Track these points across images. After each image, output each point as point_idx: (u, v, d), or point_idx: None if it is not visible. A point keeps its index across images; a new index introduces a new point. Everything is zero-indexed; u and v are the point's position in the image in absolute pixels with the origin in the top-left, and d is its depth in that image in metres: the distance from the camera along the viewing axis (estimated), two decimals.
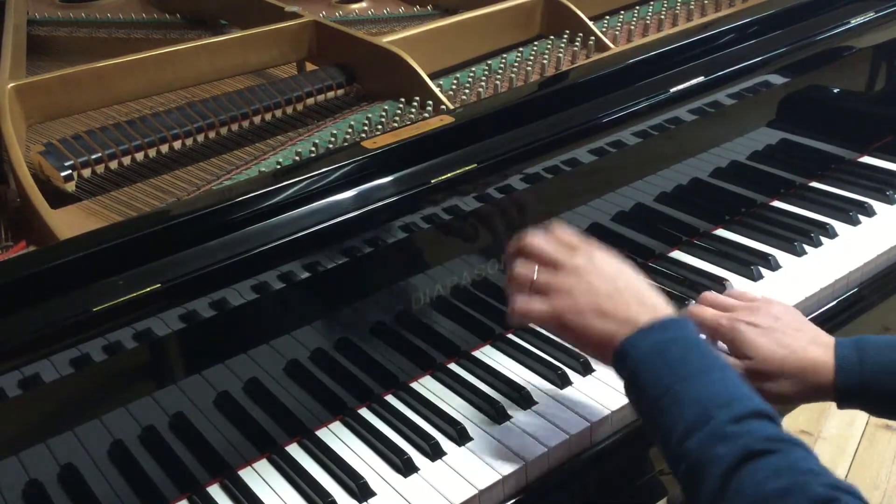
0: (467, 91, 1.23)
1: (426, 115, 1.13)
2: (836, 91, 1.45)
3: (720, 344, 0.98)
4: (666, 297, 0.86)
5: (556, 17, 1.38)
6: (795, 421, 2.26)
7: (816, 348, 0.93)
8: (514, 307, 0.89)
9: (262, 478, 0.95)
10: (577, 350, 1.08)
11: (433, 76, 1.21)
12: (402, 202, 0.98)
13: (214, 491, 0.94)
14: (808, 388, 0.92)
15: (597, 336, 0.84)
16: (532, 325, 1.13)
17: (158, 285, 0.84)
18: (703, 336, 0.89)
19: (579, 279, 0.86)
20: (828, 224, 1.30)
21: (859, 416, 2.29)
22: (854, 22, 1.35)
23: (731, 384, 0.77)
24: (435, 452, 0.95)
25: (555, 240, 0.90)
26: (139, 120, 1.12)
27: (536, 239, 0.91)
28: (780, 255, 1.25)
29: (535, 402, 1.01)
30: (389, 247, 0.98)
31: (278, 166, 1.04)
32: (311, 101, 1.22)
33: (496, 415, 1.00)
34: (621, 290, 0.85)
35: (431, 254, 1.05)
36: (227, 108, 1.16)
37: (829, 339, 0.94)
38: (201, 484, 0.95)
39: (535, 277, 0.89)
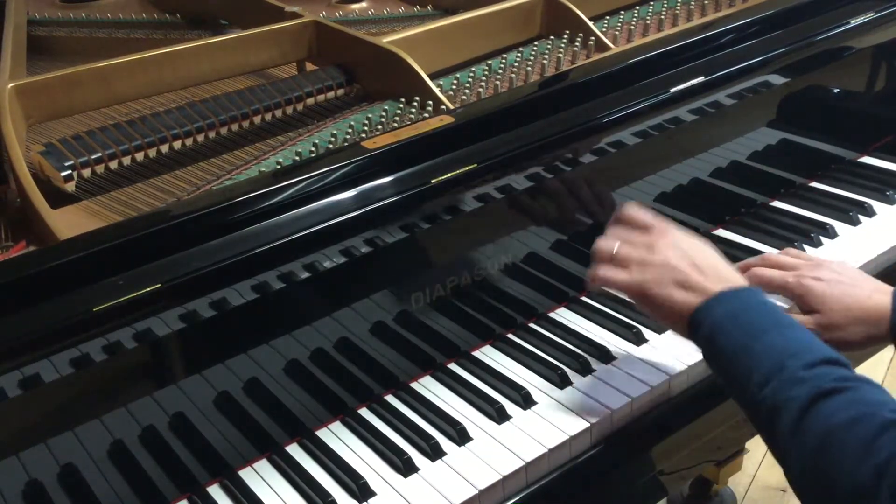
0: (467, 91, 1.23)
1: (426, 115, 1.13)
2: (836, 91, 1.45)
3: (782, 301, 1.05)
4: (737, 271, 0.92)
5: (556, 17, 1.38)
6: None
7: (880, 296, 0.99)
8: (594, 273, 0.96)
9: (262, 478, 0.95)
10: (577, 350, 1.08)
11: (433, 76, 1.21)
12: (402, 202, 0.98)
13: (214, 491, 0.94)
14: (876, 334, 0.98)
15: (676, 306, 0.90)
16: (532, 326, 1.14)
17: (158, 285, 0.84)
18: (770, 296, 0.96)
19: (658, 253, 0.92)
20: (828, 224, 1.30)
21: None
22: (854, 22, 1.35)
23: (802, 337, 0.83)
24: (435, 452, 0.95)
25: (632, 218, 0.97)
26: (139, 120, 1.12)
27: (616, 218, 0.98)
28: None
29: (535, 402, 1.01)
30: (389, 247, 0.98)
31: (278, 166, 1.04)
32: (311, 101, 1.22)
33: (496, 415, 1.00)
34: (698, 263, 0.91)
35: (431, 254, 1.05)
36: (227, 108, 1.16)
37: (889, 288, 1.00)
38: (201, 484, 0.95)
39: (615, 250, 0.95)
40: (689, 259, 0.91)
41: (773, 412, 0.78)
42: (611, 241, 0.96)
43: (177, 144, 1.12)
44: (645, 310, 0.95)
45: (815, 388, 0.76)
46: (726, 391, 0.86)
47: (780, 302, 1.05)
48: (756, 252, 1.25)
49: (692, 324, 0.88)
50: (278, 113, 1.20)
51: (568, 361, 1.07)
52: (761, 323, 0.84)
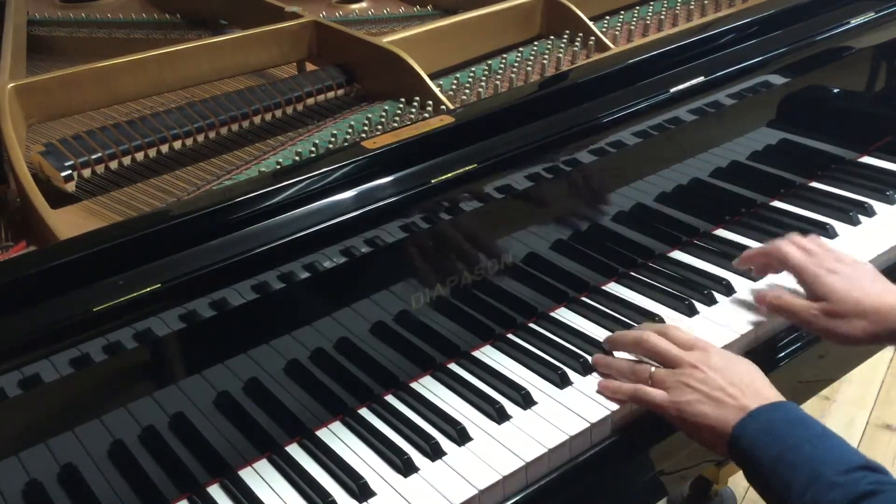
0: (467, 91, 1.23)
1: (426, 115, 1.13)
2: (836, 91, 1.45)
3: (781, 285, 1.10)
4: (774, 388, 0.94)
5: (556, 17, 1.38)
6: None
7: (889, 296, 1.02)
8: (631, 393, 0.98)
9: (262, 478, 0.95)
10: (577, 350, 1.08)
11: (433, 76, 1.21)
12: (402, 202, 0.97)
13: (214, 491, 0.94)
14: (877, 332, 1.01)
15: (712, 424, 0.91)
16: (532, 326, 1.14)
17: (158, 285, 0.84)
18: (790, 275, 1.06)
19: (698, 373, 0.95)
20: (828, 224, 1.30)
21: (859, 416, 2.29)
22: (854, 22, 1.35)
23: (837, 447, 0.85)
24: (435, 452, 0.95)
25: (672, 338, 1.00)
26: (139, 120, 1.12)
27: (654, 337, 1.00)
28: None
29: (535, 402, 1.01)
30: (389, 247, 0.98)
31: (278, 166, 1.04)
32: (311, 101, 1.22)
33: (496, 415, 1.00)
34: (736, 382, 0.93)
35: (431, 254, 1.05)
36: (227, 108, 1.16)
37: None
38: (201, 484, 0.95)
39: (652, 371, 0.98)
40: (729, 378, 0.93)
41: None
42: (643, 366, 0.99)
43: (177, 144, 1.12)
44: (682, 429, 0.96)
45: (851, 491, 0.79)
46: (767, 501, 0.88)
47: (782, 282, 1.10)
48: None
49: (732, 441, 0.89)
50: (278, 113, 1.20)
51: (568, 361, 1.07)
52: (797, 435, 0.86)
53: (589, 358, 1.06)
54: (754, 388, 0.92)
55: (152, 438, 0.90)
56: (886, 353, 2.47)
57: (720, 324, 1.12)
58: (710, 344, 1.00)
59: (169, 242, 0.87)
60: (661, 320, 1.12)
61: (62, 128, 1.19)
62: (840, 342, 1.02)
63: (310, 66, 1.34)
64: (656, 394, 0.96)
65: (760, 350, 1.11)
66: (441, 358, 1.09)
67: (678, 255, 1.27)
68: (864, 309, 1.01)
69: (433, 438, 0.97)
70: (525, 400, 1.01)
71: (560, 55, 1.32)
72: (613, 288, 1.21)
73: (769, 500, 0.87)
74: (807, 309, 1.04)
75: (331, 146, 1.09)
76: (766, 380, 0.95)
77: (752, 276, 1.20)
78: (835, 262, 1.06)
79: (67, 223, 0.94)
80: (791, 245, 1.10)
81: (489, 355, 1.10)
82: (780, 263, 1.10)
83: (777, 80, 1.29)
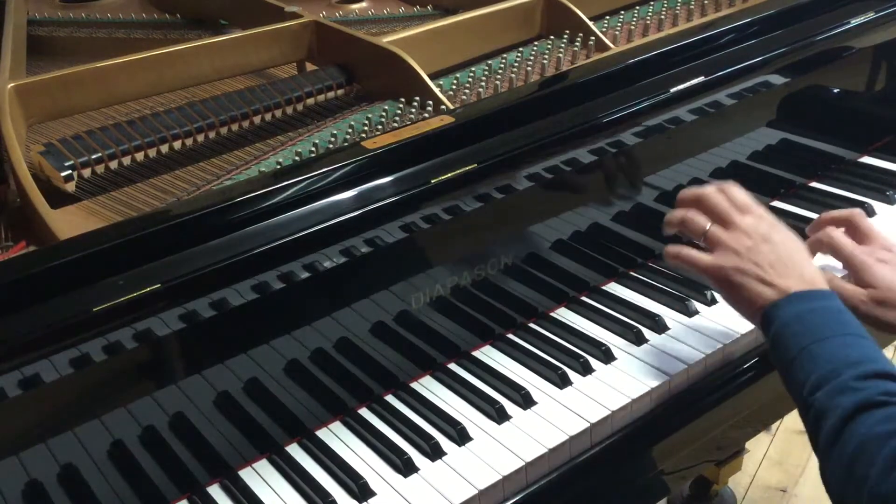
0: (467, 91, 1.23)
1: (426, 115, 1.13)
2: (836, 91, 1.45)
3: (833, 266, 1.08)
4: (820, 273, 0.93)
5: (556, 17, 1.38)
6: (795, 421, 2.26)
7: None
8: (678, 253, 0.99)
9: (262, 478, 0.95)
10: (577, 350, 1.08)
11: (433, 76, 1.21)
12: (402, 202, 0.97)
13: (214, 491, 0.94)
14: None
15: (753, 297, 0.92)
16: (532, 326, 1.14)
17: (158, 285, 0.84)
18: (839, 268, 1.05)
19: (748, 241, 0.94)
20: None
21: None
22: (854, 22, 1.35)
23: (864, 348, 0.84)
24: (435, 452, 0.95)
25: (729, 197, 0.99)
26: (139, 120, 1.12)
27: (714, 193, 0.99)
28: None
29: (535, 402, 1.01)
30: (389, 247, 0.98)
31: (278, 166, 1.04)
32: (311, 101, 1.22)
33: (496, 415, 1.00)
34: (783, 259, 0.93)
35: (431, 254, 1.05)
36: (227, 108, 1.16)
37: None
38: (201, 484, 0.95)
39: (707, 228, 0.98)
40: (777, 253, 0.93)
41: (819, 416, 0.81)
42: (702, 218, 0.98)
43: (177, 144, 1.12)
44: (721, 293, 0.97)
45: (861, 399, 0.78)
46: (786, 387, 0.88)
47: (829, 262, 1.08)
48: None
49: (765, 318, 0.90)
50: (278, 113, 1.20)
51: (568, 361, 1.07)
52: (829, 327, 0.86)
53: (589, 358, 1.06)
54: (799, 270, 0.92)
55: (152, 438, 0.90)
56: (886, 353, 2.47)
57: (720, 324, 1.12)
58: (765, 211, 0.98)
59: (169, 242, 0.87)
60: (662, 320, 1.12)
61: (62, 128, 1.19)
62: (884, 330, 1.01)
63: (310, 66, 1.34)
64: (702, 258, 0.97)
65: (763, 349, 1.11)
66: (441, 358, 1.09)
67: None
68: None
69: (433, 438, 0.97)
70: (525, 400, 1.01)
71: (560, 55, 1.32)
72: (613, 288, 1.21)
73: (787, 385, 0.88)
74: (856, 294, 1.01)
75: (331, 146, 1.09)
76: (811, 262, 0.94)
77: None
78: (883, 250, 1.05)
79: (67, 223, 0.94)
80: (841, 235, 1.07)
81: (489, 355, 1.10)
82: (830, 250, 1.08)
83: (777, 80, 1.29)
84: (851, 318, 0.88)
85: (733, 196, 0.99)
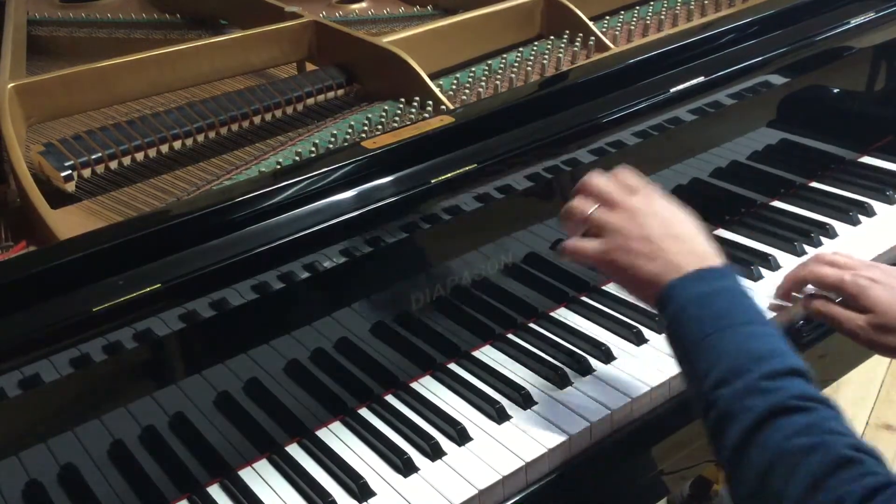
0: (467, 91, 1.23)
1: (426, 115, 1.13)
2: (836, 91, 1.45)
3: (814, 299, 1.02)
4: (719, 246, 0.86)
5: (556, 17, 1.38)
6: None
7: None
8: (564, 245, 0.92)
9: (262, 478, 0.95)
10: (577, 350, 1.08)
11: (433, 76, 1.21)
12: (402, 202, 0.97)
13: (214, 491, 0.94)
14: None
15: (643, 277, 0.85)
16: (532, 326, 1.14)
17: (158, 285, 0.84)
18: (824, 294, 0.99)
19: (633, 219, 0.88)
20: (828, 224, 1.30)
21: (859, 417, 2.29)
22: (854, 22, 1.35)
23: (771, 339, 0.79)
24: (435, 452, 0.95)
25: (616, 180, 0.92)
26: (139, 120, 1.12)
27: (597, 177, 0.92)
28: (781, 255, 1.25)
29: (535, 402, 1.01)
30: (389, 247, 0.98)
31: (278, 166, 1.04)
32: (310, 101, 1.22)
33: (496, 415, 1.00)
34: (675, 234, 0.86)
35: (431, 254, 1.05)
36: (227, 108, 1.16)
37: None
38: (201, 484, 0.95)
39: (589, 213, 0.90)
40: (666, 228, 0.86)
41: (724, 417, 0.75)
42: (585, 203, 0.92)
43: (177, 144, 1.12)
44: (614, 280, 0.90)
45: (774, 402, 0.72)
46: (682, 375, 0.83)
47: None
48: (756, 252, 1.25)
49: (660, 300, 0.83)
50: (278, 113, 1.20)
51: (568, 361, 1.07)
52: (732, 314, 0.80)
53: (589, 358, 1.07)
54: (693, 245, 0.85)
55: (152, 438, 0.90)
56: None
57: None
58: (657, 190, 0.91)
59: (169, 242, 0.87)
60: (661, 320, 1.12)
61: (62, 128, 1.19)
62: (887, 355, 0.97)
63: (310, 66, 1.34)
64: (586, 245, 0.90)
65: None
66: (441, 358, 1.09)
67: None
68: None
69: (433, 438, 0.97)
70: (525, 400, 1.01)
71: (560, 55, 1.32)
72: (613, 288, 1.21)
73: (684, 376, 0.82)
74: (853, 320, 0.97)
75: (331, 146, 1.09)
76: (711, 239, 0.87)
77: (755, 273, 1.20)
78: (870, 270, 0.99)
79: (67, 223, 0.94)
80: (821, 264, 1.02)
81: (489, 355, 1.10)
82: (820, 286, 1.02)
83: (777, 80, 1.29)
84: (753, 304, 0.82)
85: (622, 178, 0.92)
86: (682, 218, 0.89)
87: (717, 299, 0.81)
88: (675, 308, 0.82)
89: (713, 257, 0.85)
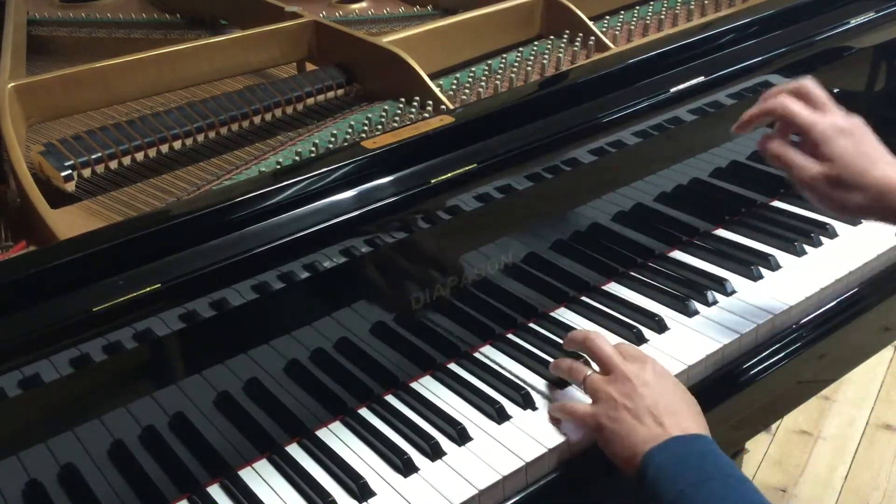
0: (467, 91, 1.23)
1: (426, 115, 1.13)
2: (835, 91, 1.44)
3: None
4: (704, 423, 0.90)
5: (556, 17, 1.38)
6: (795, 421, 2.26)
7: (892, 169, 0.93)
8: (560, 408, 0.98)
9: (262, 478, 0.95)
10: (577, 352, 1.08)
11: (433, 76, 1.21)
12: (402, 202, 0.98)
13: (214, 491, 0.94)
14: (881, 208, 0.93)
15: (626, 443, 0.88)
16: (532, 326, 1.14)
17: (158, 285, 0.84)
18: (792, 137, 0.97)
19: (626, 386, 0.92)
20: (828, 224, 1.30)
21: (859, 417, 2.29)
22: (854, 22, 1.35)
23: (742, 492, 0.81)
24: (435, 452, 0.96)
25: (619, 347, 0.98)
26: (139, 120, 1.12)
27: (598, 338, 0.99)
28: (780, 255, 1.25)
29: (535, 402, 1.01)
30: (389, 247, 0.98)
31: (278, 166, 1.04)
32: (310, 101, 1.22)
33: (496, 415, 1.00)
34: (661, 406, 0.89)
35: (431, 254, 1.05)
36: (227, 108, 1.16)
37: None
38: (201, 484, 0.95)
39: (587, 374, 0.97)
40: (656, 398, 0.90)
41: None
42: (583, 367, 0.98)
43: (177, 144, 1.12)
44: (599, 441, 0.93)
45: None
46: None
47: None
48: (756, 252, 1.25)
49: (643, 463, 0.86)
50: (278, 113, 1.20)
51: None
52: (707, 470, 0.83)
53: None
54: (678, 419, 0.88)
55: (152, 438, 0.90)
56: (886, 354, 2.47)
57: (720, 324, 1.12)
58: (653, 360, 0.96)
59: (169, 242, 0.87)
60: (661, 320, 1.12)
61: (62, 128, 1.19)
62: (831, 209, 0.95)
63: (310, 66, 1.34)
64: (577, 409, 0.95)
65: (764, 350, 1.11)
66: (441, 358, 1.09)
67: (678, 255, 1.27)
68: (867, 182, 0.92)
69: (433, 438, 0.97)
70: (525, 400, 1.01)
71: (560, 55, 1.32)
72: (613, 288, 1.21)
73: None
74: (809, 169, 0.94)
75: (331, 146, 1.09)
76: (698, 414, 0.91)
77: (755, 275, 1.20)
78: (844, 120, 0.96)
79: (67, 223, 0.94)
80: (793, 100, 0.98)
81: (489, 355, 1.10)
82: (783, 119, 0.99)
83: (777, 80, 1.29)
84: (728, 462, 0.85)
85: (621, 347, 0.99)
86: (672, 391, 0.92)
87: (690, 459, 0.85)
88: (655, 470, 0.85)
89: (695, 428, 0.88)
